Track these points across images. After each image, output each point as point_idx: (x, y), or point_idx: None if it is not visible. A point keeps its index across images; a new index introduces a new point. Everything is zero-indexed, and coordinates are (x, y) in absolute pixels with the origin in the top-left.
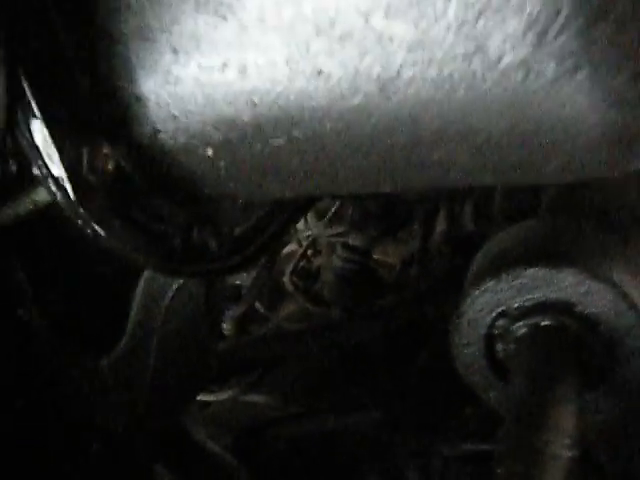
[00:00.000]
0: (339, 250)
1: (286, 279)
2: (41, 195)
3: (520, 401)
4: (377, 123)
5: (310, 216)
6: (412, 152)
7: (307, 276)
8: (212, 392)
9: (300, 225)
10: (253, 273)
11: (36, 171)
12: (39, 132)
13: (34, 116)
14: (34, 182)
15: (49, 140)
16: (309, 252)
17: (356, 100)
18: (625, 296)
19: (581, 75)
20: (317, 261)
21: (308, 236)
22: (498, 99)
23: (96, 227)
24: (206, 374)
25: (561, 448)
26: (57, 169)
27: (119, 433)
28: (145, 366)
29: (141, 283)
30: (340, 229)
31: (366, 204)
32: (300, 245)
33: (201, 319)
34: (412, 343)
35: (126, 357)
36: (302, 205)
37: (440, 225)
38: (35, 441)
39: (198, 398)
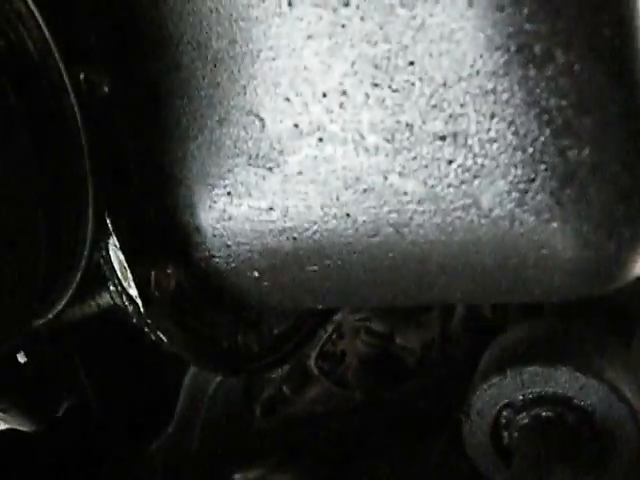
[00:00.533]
0: (362, 335)
1: (311, 362)
2: (104, 300)
3: None
4: (393, 257)
5: None
6: (422, 279)
7: (332, 359)
8: (238, 472)
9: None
10: None
11: (112, 288)
12: (115, 258)
13: (114, 244)
14: (98, 289)
15: (124, 264)
16: (334, 336)
17: (377, 239)
18: (616, 390)
19: (555, 225)
20: (341, 345)
21: (333, 321)
22: (490, 241)
23: (160, 334)
24: (242, 456)
25: None
26: (130, 287)
27: None
28: (189, 449)
29: (187, 379)
30: (363, 314)
31: None
32: (325, 330)
33: (239, 407)
34: (430, 430)
35: (173, 441)
36: (330, 311)
37: (459, 311)
38: None
39: None
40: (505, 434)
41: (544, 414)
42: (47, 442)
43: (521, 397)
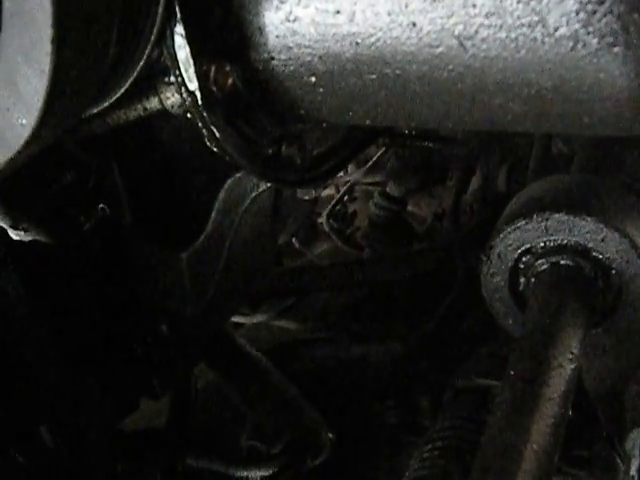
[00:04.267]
0: (376, 197)
1: (322, 220)
2: (152, 103)
3: (534, 322)
4: (453, 70)
5: (350, 164)
6: (478, 96)
7: (342, 219)
8: (245, 315)
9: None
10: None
11: (170, 79)
12: (180, 48)
13: (180, 35)
14: (147, 92)
15: (188, 55)
16: (346, 197)
17: (439, 50)
18: (636, 246)
19: (617, 50)
20: (353, 206)
21: (346, 182)
22: (551, 61)
23: (213, 129)
24: (262, 281)
25: (565, 361)
26: (190, 81)
27: (185, 322)
28: (217, 263)
29: (222, 192)
30: (378, 178)
31: (406, 157)
32: (338, 190)
33: (267, 231)
34: (436, 287)
35: (202, 254)
36: (366, 139)
37: (474, 184)
38: (113, 316)
39: (232, 320)
40: (522, 280)
41: (563, 262)
42: (75, 253)
43: (542, 244)
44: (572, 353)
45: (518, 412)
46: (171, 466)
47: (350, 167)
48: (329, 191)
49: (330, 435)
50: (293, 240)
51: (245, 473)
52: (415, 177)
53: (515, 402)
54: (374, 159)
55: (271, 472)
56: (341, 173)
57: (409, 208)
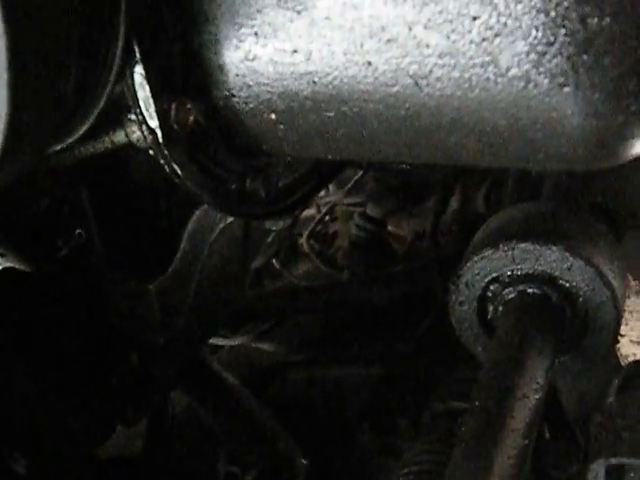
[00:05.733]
0: (356, 218)
1: (303, 241)
2: (119, 137)
3: (500, 350)
4: (409, 108)
5: (331, 185)
6: (434, 134)
7: (323, 240)
8: (225, 337)
9: (321, 192)
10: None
11: (133, 117)
12: (140, 87)
13: (139, 74)
14: (113, 126)
15: (148, 94)
16: (327, 218)
17: (395, 89)
18: (602, 274)
19: (567, 90)
20: (333, 227)
21: (327, 203)
22: (504, 100)
23: (175, 166)
24: (235, 308)
25: (529, 391)
26: (151, 118)
27: (155, 351)
28: (186, 293)
29: (191, 223)
30: (358, 199)
31: (385, 178)
32: (319, 210)
33: (237, 259)
34: (415, 310)
35: (171, 284)
36: (335, 168)
37: (453, 205)
38: (84, 344)
39: (210, 342)
40: (490, 307)
41: (530, 290)
42: (48, 281)
43: (510, 272)
44: (537, 383)
45: (481, 443)
46: None
47: (331, 188)
48: (310, 211)
49: (304, 461)
50: (273, 261)
51: None
52: (394, 198)
53: (478, 433)
54: (353, 180)
55: None
56: (322, 194)
57: (389, 228)
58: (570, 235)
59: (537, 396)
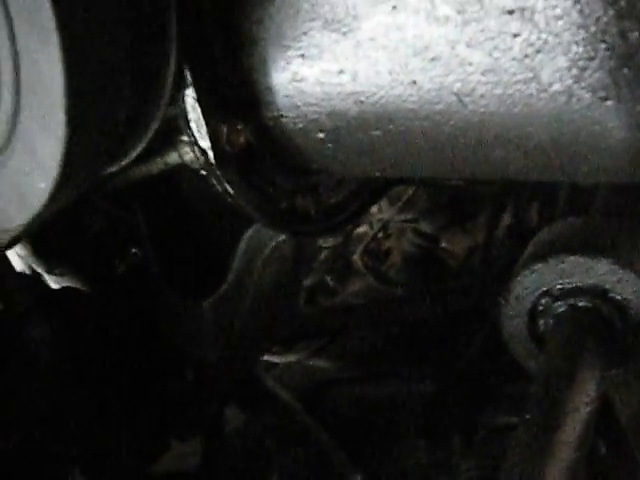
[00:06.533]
0: (409, 235)
1: (356, 258)
2: (172, 158)
3: (550, 365)
4: (454, 125)
5: (384, 201)
6: (478, 150)
7: (376, 257)
8: (279, 355)
9: (374, 209)
10: (324, 250)
11: (185, 139)
12: (192, 109)
13: (191, 97)
14: (167, 147)
15: (200, 116)
16: (380, 235)
17: (439, 106)
18: None
19: (610, 103)
20: (386, 243)
21: (380, 219)
22: (546, 115)
23: (227, 186)
24: (289, 325)
25: (581, 404)
26: (203, 140)
27: (210, 367)
28: (240, 310)
29: (243, 240)
30: (411, 215)
31: (437, 195)
32: (372, 227)
33: (289, 277)
34: (469, 326)
35: (225, 301)
36: (384, 185)
37: (506, 220)
38: (140, 361)
39: (266, 359)
40: (541, 322)
41: (580, 304)
42: (106, 300)
43: (560, 286)
44: (588, 395)
45: (532, 457)
46: None
47: (383, 205)
48: (363, 228)
49: (359, 477)
50: (326, 278)
51: None
52: (447, 214)
53: (529, 446)
54: (405, 197)
55: None
56: (374, 211)
57: (442, 244)
58: (620, 248)
59: (588, 409)
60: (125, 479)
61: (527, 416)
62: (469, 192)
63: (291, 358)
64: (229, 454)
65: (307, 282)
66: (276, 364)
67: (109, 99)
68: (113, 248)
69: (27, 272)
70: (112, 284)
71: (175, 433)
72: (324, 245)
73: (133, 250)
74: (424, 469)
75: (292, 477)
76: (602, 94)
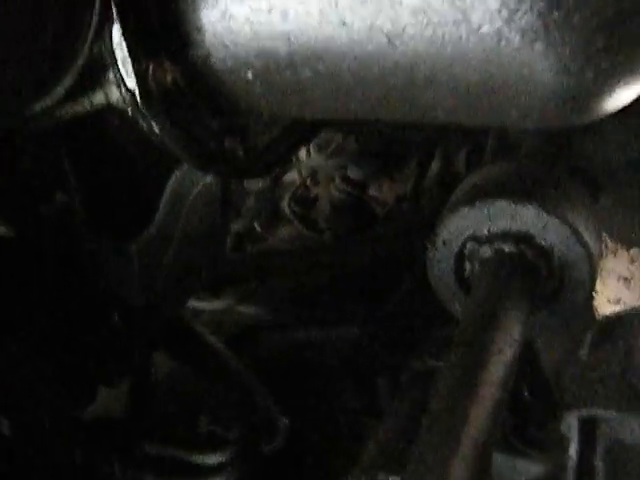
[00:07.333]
0: (337, 182)
1: (285, 204)
2: (98, 98)
3: (476, 307)
4: (383, 66)
5: (312, 148)
6: (407, 91)
7: (305, 203)
8: (207, 301)
9: (302, 156)
10: (252, 196)
11: (111, 77)
12: (119, 47)
13: (117, 33)
14: (93, 86)
15: (126, 54)
16: (308, 182)
17: (369, 47)
18: (577, 233)
19: (538, 46)
20: (315, 190)
21: (309, 166)
22: (476, 57)
23: (154, 126)
24: (216, 270)
25: (505, 345)
26: (129, 78)
27: (137, 311)
28: (166, 253)
29: (170, 183)
30: (339, 162)
31: (366, 142)
32: (301, 174)
33: (216, 220)
34: (396, 271)
35: (152, 244)
36: (312, 128)
37: (434, 168)
38: (66, 306)
39: (192, 305)
40: (467, 266)
41: (506, 249)
42: (30, 243)
43: (486, 230)
44: (513, 338)
45: (456, 396)
46: (129, 453)
47: (312, 152)
48: (291, 175)
49: (285, 420)
50: (255, 224)
51: (202, 458)
52: (375, 161)
53: (454, 386)
54: (334, 144)
55: (226, 458)
56: (303, 158)
57: (370, 192)
58: (546, 194)
59: (512, 350)
60: (53, 426)
61: (451, 358)
62: (398, 140)
63: (219, 304)
64: (157, 399)
65: (235, 228)
66: (203, 311)
67: (32, 31)
68: (38, 191)
69: None
70: (37, 227)
71: (103, 378)
72: (252, 188)
73: (58, 194)
74: (351, 412)
75: (220, 421)
76: (532, 37)
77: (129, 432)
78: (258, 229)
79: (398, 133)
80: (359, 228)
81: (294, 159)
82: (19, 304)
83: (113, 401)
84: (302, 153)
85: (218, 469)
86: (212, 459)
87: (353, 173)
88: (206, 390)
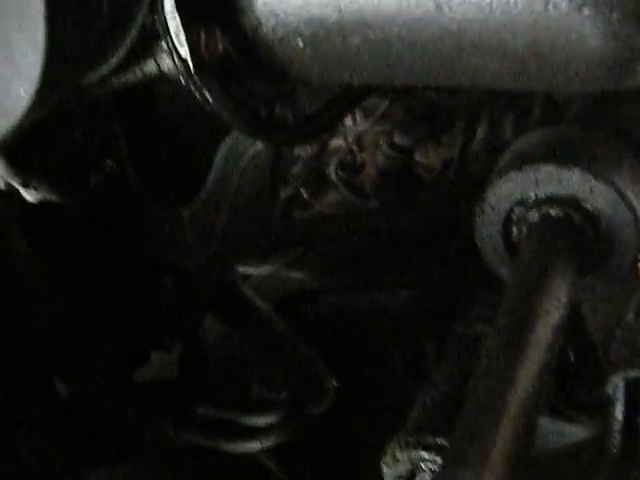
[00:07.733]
0: (384, 147)
1: (331, 170)
2: (150, 67)
3: (523, 271)
4: (432, 32)
5: (359, 114)
6: (456, 57)
7: (351, 169)
8: (255, 266)
9: (349, 122)
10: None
11: (164, 46)
12: (171, 17)
13: (170, 3)
14: (145, 56)
15: (179, 24)
16: (355, 148)
17: (418, 13)
18: (624, 197)
19: (586, 11)
20: (361, 156)
21: (355, 132)
22: (524, 22)
23: (205, 94)
24: (265, 235)
25: (552, 308)
26: (181, 47)
27: (188, 276)
28: (218, 218)
29: (221, 150)
30: (386, 128)
31: (412, 107)
32: (347, 140)
33: (266, 186)
34: (443, 236)
35: (203, 209)
36: (360, 94)
37: (480, 133)
38: (119, 271)
39: (241, 270)
40: (515, 230)
41: (553, 213)
42: (83, 212)
43: (533, 195)
44: (559, 301)
45: (503, 359)
46: (182, 415)
47: (358, 117)
48: (338, 141)
49: (334, 382)
50: (302, 191)
51: (251, 420)
52: (422, 126)
53: (500, 350)
54: (381, 110)
55: (275, 419)
56: (349, 123)
57: (417, 157)
58: (593, 158)
59: (559, 314)
60: (106, 388)
61: (498, 322)
62: (444, 105)
63: (267, 269)
64: (208, 363)
65: (282, 194)
66: (250, 276)
67: (87, 4)
68: (90, 160)
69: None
70: (89, 196)
71: (154, 342)
72: (299, 155)
73: (108, 162)
74: (399, 378)
75: (271, 387)
76: (579, 2)
77: (181, 395)
78: (305, 195)
79: (444, 99)
80: (405, 194)
81: (340, 125)
82: (74, 270)
83: (166, 364)
84: (348, 119)
85: (267, 431)
86: (261, 421)
87: (399, 139)
88: (255, 354)
